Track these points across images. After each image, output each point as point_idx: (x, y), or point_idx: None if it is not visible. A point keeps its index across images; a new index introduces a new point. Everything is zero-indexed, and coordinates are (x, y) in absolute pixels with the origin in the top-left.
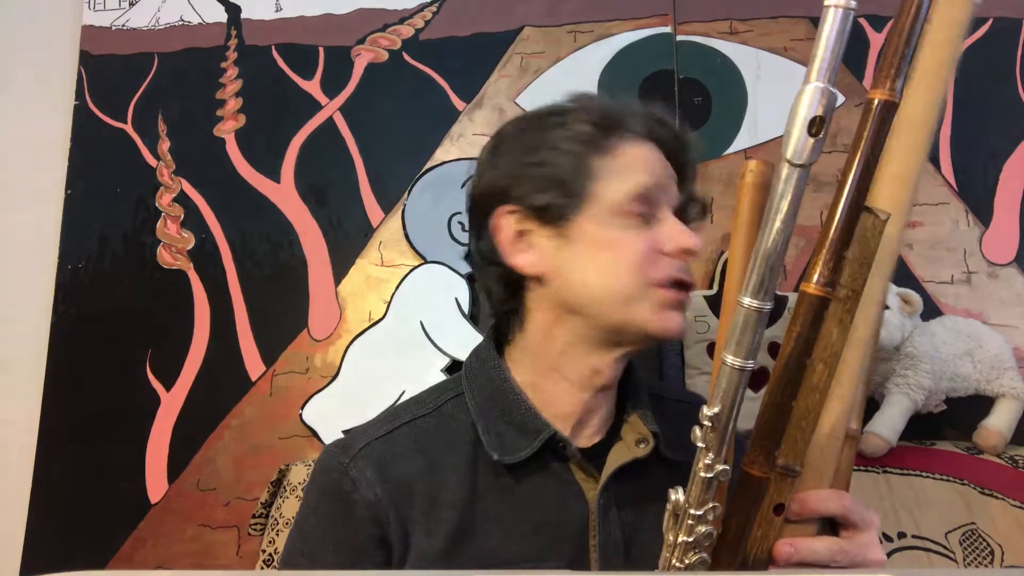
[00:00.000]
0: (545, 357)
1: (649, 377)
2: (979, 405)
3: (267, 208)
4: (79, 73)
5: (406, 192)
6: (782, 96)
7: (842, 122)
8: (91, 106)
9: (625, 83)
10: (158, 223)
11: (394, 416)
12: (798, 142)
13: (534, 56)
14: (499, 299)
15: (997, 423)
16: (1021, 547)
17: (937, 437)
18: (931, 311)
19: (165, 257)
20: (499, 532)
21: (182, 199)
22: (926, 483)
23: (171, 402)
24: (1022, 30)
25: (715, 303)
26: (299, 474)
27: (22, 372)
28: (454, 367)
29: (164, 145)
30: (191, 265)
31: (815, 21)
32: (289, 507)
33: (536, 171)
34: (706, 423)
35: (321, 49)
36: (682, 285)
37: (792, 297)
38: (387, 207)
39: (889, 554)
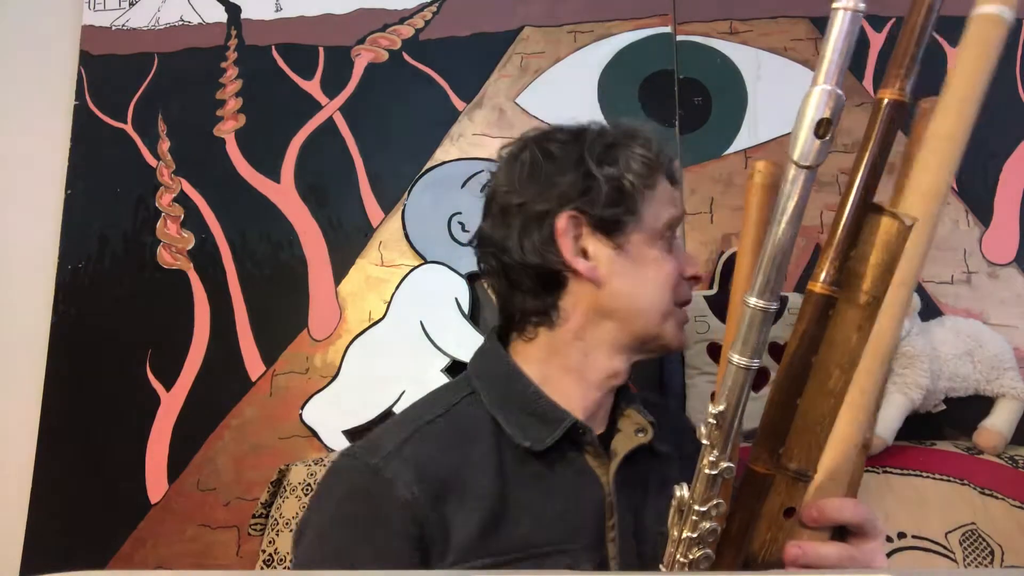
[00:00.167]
0: (569, 356)
1: (647, 376)
2: (979, 405)
3: (267, 208)
4: (79, 73)
5: (406, 192)
6: (782, 96)
7: (843, 122)
8: (91, 106)
9: (625, 83)
10: (158, 223)
11: (412, 419)
12: (805, 144)
13: (534, 56)
14: (531, 295)
15: (997, 423)
16: (1021, 547)
17: (937, 437)
18: (931, 311)
19: (165, 257)
20: (528, 519)
21: (182, 199)
22: (926, 483)
23: (171, 402)
24: (1022, 30)
25: (715, 303)
26: (299, 474)
27: (22, 372)
28: (454, 367)
29: (164, 145)
30: (191, 265)
31: (815, 21)
32: (289, 507)
33: (608, 186)
34: (711, 420)
35: (321, 49)
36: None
37: (792, 297)
38: (387, 207)
39: (889, 554)
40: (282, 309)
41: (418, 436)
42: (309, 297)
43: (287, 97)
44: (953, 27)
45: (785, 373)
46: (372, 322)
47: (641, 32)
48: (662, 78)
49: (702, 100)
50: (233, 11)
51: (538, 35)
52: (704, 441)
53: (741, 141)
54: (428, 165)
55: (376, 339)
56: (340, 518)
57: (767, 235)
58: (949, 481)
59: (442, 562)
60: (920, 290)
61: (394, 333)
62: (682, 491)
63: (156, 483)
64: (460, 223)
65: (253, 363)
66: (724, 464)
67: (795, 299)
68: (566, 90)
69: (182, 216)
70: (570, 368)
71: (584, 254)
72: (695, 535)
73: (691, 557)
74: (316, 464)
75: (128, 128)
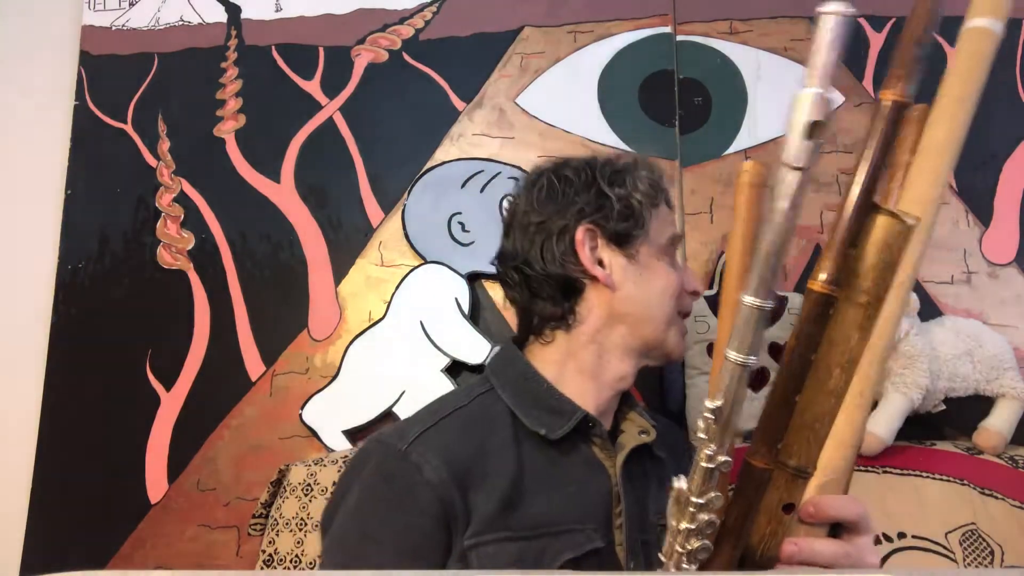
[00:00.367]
0: (584, 358)
1: (648, 377)
2: (979, 405)
3: (267, 208)
4: (79, 73)
5: (406, 192)
6: (782, 96)
7: (842, 122)
8: (91, 106)
9: (625, 83)
10: (158, 223)
11: (436, 410)
12: (796, 147)
13: (534, 56)
14: (550, 302)
15: (997, 423)
16: (1021, 547)
17: (937, 437)
18: (931, 311)
19: (165, 257)
20: (542, 500)
21: (182, 199)
22: (926, 483)
23: (171, 402)
24: (1022, 30)
25: (715, 303)
26: (299, 474)
27: (22, 372)
28: (454, 367)
29: (164, 145)
30: (191, 265)
31: (815, 21)
32: (289, 507)
33: (619, 204)
34: (708, 415)
35: (321, 49)
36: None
37: (793, 297)
38: (387, 207)
39: (889, 554)
40: (282, 309)
41: (442, 424)
42: (309, 297)
43: (287, 97)
44: (954, 27)
45: (784, 370)
46: (372, 322)
47: (641, 32)
48: (662, 78)
49: (702, 100)
50: (233, 11)
51: (538, 35)
52: (701, 436)
53: (741, 141)
54: (428, 165)
55: (376, 339)
56: (370, 499)
57: (761, 235)
58: (949, 481)
59: (463, 537)
60: (920, 290)
61: (394, 333)
62: (680, 483)
63: (156, 483)
64: (460, 223)
65: (253, 363)
66: (721, 458)
67: (795, 299)
68: (566, 90)
69: (182, 216)
70: (584, 369)
71: (600, 263)
72: (693, 526)
73: (689, 547)
74: (316, 464)
75: (128, 128)
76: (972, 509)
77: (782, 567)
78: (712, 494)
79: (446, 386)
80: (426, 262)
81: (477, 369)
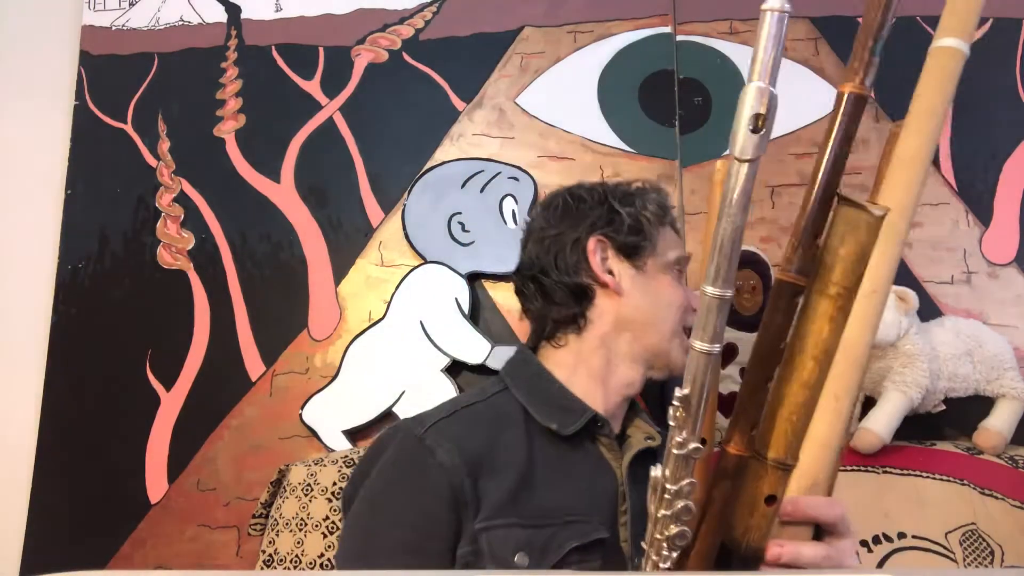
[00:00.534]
0: (593, 363)
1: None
2: (979, 405)
3: (267, 208)
4: (79, 73)
5: (406, 192)
6: (782, 96)
7: None
8: (91, 106)
9: (625, 83)
10: (158, 223)
11: (453, 403)
12: (743, 139)
13: (534, 56)
14: (564, 307)
15: (997, 423)
16: (1021, 547)
17: (937, 437)
18: (931, 311)
19: (165, 257)
20: (551, 492)
21: (182, 199)
22: (926, 483)
23: (171, 402)
24: (1022, 30)
25: None
26: (299, 474)
27: (22, 372)
28: (454, 367)
29: (164, 145)
30: (191, 265)
31: (815, 21)
32: (289, 507)
33: (628, 219)
34: (676, 403)
35: (321, 49)
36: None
37: None
38: (387, 207)
39: (889, 554)
40: (282, 309)
41: (458, 416)
42: (309, 297)
43: (287, 97)
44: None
45: (754, 358)
46: (372, 322)
47: (641, 32)
48: (662, 78)
49: (702, 100)
50: (233, 11)
51: (538, 35)
52: (671, 423)
53: None
54: (428, 165)
55: (376, 339)
56: (386, 479)
57: (716, 227)
58: (949, 481)
59: (473, 522)
60: (920, 290)
61: (394, 333)
62: (656, 471)
63: (156, 483)
64: (460, 223)
65: (253, 363)
66: (692, 445)
67: None
68: (566, 90)
69: (182, 216)
70: (593, 373)
71: (610, 272)
72: (669, 512)
73: (667, 533)
74: (316, 464)
75: (128, 128)
76: (972, 509)
77: (767, 568)
78: (686, 481)
79: (446, 386)
80: (426, 262)
81: (477, 369)
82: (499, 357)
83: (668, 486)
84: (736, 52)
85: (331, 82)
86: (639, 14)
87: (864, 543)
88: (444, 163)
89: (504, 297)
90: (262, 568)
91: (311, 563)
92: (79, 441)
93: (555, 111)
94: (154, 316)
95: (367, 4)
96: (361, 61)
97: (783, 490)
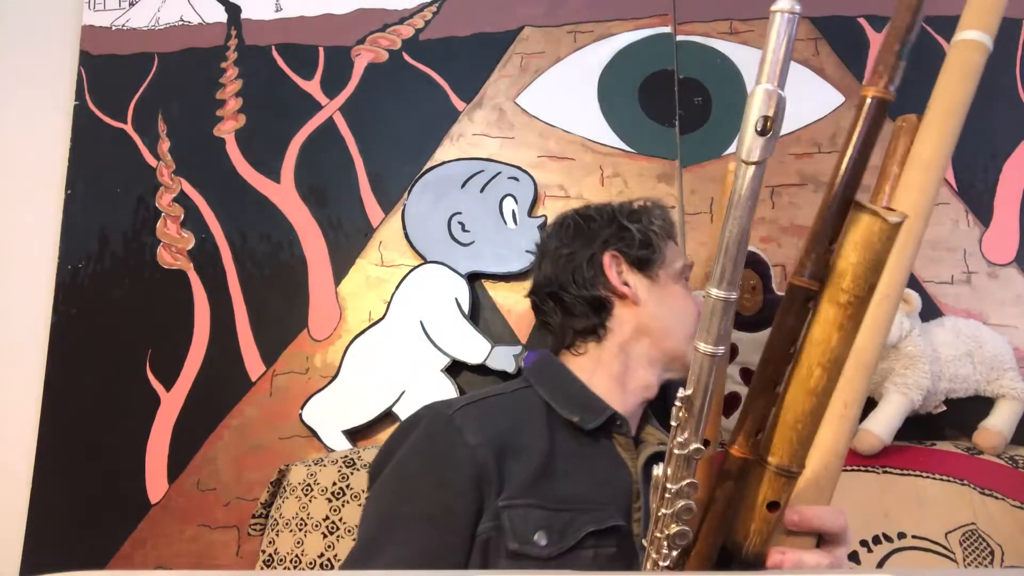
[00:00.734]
0: (613, 368)
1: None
2: (979, 405)
3: (267, 208)
4: (79, 73)
5: (406, 192)
6: None
7: (842, 122)
8: (91, 106)
9: (625, 83)
10: (158, 223)
11: (480, 393)
12: (750, 141)
13: (534, 56)
14: (583, 318)
15: (997, 423)
16: (1021, 547)
17: (937, 437)
18: (931, 311)
19: (165, 257)
20: (570, 481)
21: (182, 199)
22: (926, 483)
23: (171, 402)
24: (1022, 30)
25: None
26: (299, 474)
27: (22, 372)
28: (454, 367)
29: (164, 145)
30: (191, 265)
31: (815, 21)
32: (289, 507)
33: (639, 234)
34: (678, 404)
35: (321, 49)
36: None
37: None
38: (387, 207)
39: (889, 554)
40: (282, 309)
41: (486, 402)
42: (309, 297)
43: (287, 97)
44: (951, 26)
45: (763, 361)
46: (372, 322)
47: (641, 32)
48: (662, 78)
49: (702, 100)
50: (233, 11)
51: (538, 35)
52: (673, 423)
53: None
54: (428, 165)
55: (376, 339)
56: (414, 454)
57: (722, 230)
58: (949, 481)
59: (496, 499)
60: (920, 290)
61: (394, 333)
62: (659, 470)
63: (156, 483)
64: (460, 223)
65: (253, 363)
66: (693, 445)
67: None
68: (566, 90)
69: (182, 216)
70: (613, 377)
71: (626, 284)
72: (670, 511)
73: (668, 532)
74: (316, 464)
75: (128, 128)
76: (972, 509)
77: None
78: (686, 481)
79: (446, 386)
80: (426, 262)
81: (477, 369)
82: (499, 357)
83: (669, 485)
84: (736, 52)
85: (331, 82)
86: (639, 14)
87: (864, 543)
88: (444, 163)
89: (504, 297)
90: (262, 568)
91: (311, 563)
92: (79, 441)
93: (555, 111)
94: (154, 316)
95: (367, 4)
96: (361, 61)
97: (787, 497)
